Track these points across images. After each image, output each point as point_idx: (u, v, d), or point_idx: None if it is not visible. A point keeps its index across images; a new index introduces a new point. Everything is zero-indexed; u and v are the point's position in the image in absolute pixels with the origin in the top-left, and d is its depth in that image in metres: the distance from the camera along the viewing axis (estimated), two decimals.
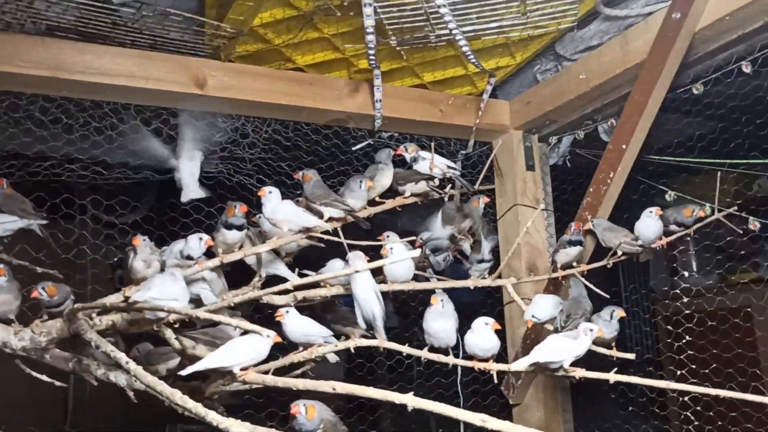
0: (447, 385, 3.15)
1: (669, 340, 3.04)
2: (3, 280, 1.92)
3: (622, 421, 3.07)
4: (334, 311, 2.44)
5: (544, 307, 2.33)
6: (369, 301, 2.09)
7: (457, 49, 2.50)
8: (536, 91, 2.95)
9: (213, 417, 1.53)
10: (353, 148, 2.97)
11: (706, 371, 2.73)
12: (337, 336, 2.31)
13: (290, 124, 2.83)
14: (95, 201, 2.80)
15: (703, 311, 2.94)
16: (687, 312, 2.87)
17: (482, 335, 2.06)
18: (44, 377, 2.02)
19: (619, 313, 2.23)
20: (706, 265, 3.51)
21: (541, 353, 1.93)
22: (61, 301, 2.04)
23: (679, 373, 2.86)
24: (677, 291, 3.48)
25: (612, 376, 1.99)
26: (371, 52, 2.30)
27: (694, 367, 2.77)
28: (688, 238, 2.88)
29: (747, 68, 2.31)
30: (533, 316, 2.28)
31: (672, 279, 3.77)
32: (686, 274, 3.70)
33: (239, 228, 2.22)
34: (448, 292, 2.33)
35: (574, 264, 2.53)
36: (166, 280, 1.94)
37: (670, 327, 2.99)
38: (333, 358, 2.39)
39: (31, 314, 2.07)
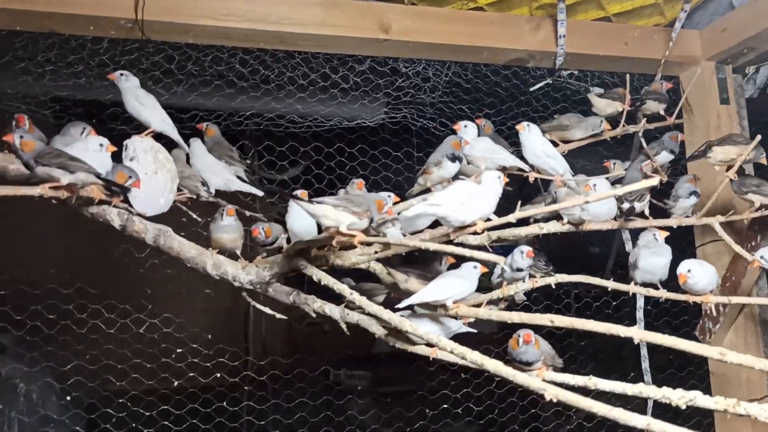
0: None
1: None
2: (232, 219, 2.07)
3: None
4: None
5: None
6: None
7: None
8: (732, 17, 2.74)
9: (446, 343, 1.58)
10: (531, 89, 2.91)
11: None
12: None
13: (469, 66, 2.81)
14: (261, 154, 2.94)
15: None
16: None
17: (700, 272, 1.97)
18: (267, 309, 2.16)
19: None
20: None
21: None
22: (274, 239, 2.17)
23: None
24: None
25: None
26: None
27: None
28: None
29: None
30: (762, 258, 2.13)
31: None
32: None
33: (459, 159, 2.20)
34: None
35: None
36: None
37: None
38: (519, 298, 2.39)
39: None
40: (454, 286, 1.90)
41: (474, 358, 1.50)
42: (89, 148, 1.81)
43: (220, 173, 2.31)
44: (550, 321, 1.76)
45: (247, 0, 2.41)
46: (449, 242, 1.90)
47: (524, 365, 1.82)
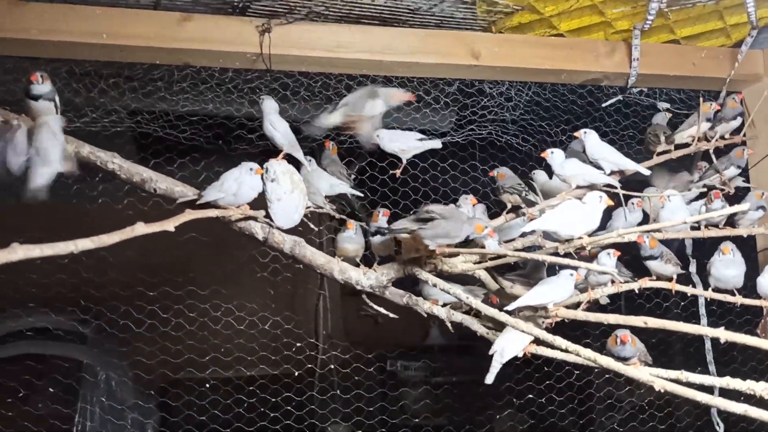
0: None
1: None
2: (352, 232, 2.37)
3: None
4: None
5: None
6: None
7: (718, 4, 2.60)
8: None
9: (561, 341, 1.87)
10: (603, 105, 3.15)
11: None
12: None
13: (547, 86, 3.07)
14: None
15: None
16: None
17: None
18: (382, 309, 2.46)
19: None
20: None
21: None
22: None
23: None
24: None
25: None
26: (651, 17, 2.46)
27: None
28: None
29: None
30: None
31: None
32: None
33: None
34: None
35: None
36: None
37: None
38: (604, 300, 2.66)
39: None
40: (554, 291, 2.18)
41: (588, 354, 1.78)
42: (243, 172, 2.12)
43: (327, 179, 2.61)
44: (643, 323, 2.03)
45: (355, 33, 2.69)
46: (555, 254, 2.16)
47: (621, 361, 2.08)
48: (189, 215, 1.94)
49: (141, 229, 1.63)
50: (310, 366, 3.46)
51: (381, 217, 2.50)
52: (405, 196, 2.94)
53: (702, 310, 3.12)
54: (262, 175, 2.18)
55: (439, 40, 2.79)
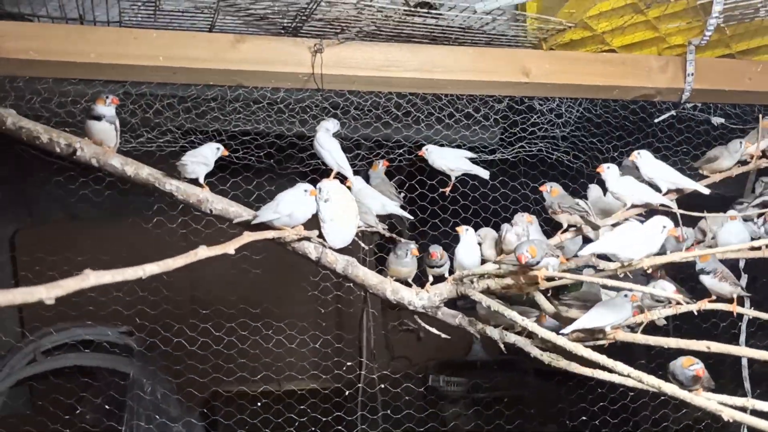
0: None
1: None
2: (415, 258, 2.37)
3: None
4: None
5: None
6: None
7: None
8: None
9: (622, 367, 1.83)
10: (656, 120, 3.10)
11: None
12: None
13: (599, 102, 3.03)
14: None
15: None
16: None
17: None
18: (434, 329, 2.45)
19: None
20: None
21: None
22: (443, 263, 2.45)
23: None
24: None
25: None
26: (708, 32, 2.42)
27: None
28: None
29: None
30: None
31: None
32: None
33: None
34: None
35: None
36: None
37: None
38: (661, 322, 2.60)
39: None
40: (611, 314, 2.14)
41: (652, 382, 1.74)
42: (298, 193, 2.14)
43: (377, 197, 2.61)
44: (706, 347, 1.98)
45: (405, 52, 2.70)
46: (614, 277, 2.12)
47: (686, 387, 2.03)
48: (248, 237, 1.96)
49: (203, 252, 1.65)
50: (354, 381, 3.49)
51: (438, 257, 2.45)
52: (455, 214, 2.93)
53: (743, 326, 3.05)
54: (315, 196, 2.19)
55: (489, 57, 2.78)
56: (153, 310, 2.89)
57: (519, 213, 2.46)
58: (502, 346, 2.38)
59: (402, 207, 2.70)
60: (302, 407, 3.04)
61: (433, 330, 2.44)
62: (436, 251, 2.37)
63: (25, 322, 3.76)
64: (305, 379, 3.79)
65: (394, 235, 2.51)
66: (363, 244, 2.59)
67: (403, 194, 2.81)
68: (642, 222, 2.22)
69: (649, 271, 2.12)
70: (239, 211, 2.22)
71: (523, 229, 2.36)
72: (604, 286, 2.31)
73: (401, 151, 2.88)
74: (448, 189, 2.79)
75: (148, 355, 3.38)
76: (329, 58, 2.61)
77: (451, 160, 2.70)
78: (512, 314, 2.11)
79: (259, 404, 3.15)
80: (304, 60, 2.60)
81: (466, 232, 2.46)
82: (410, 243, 2.37)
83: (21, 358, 3.54)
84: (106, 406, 3.38)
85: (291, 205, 2.10)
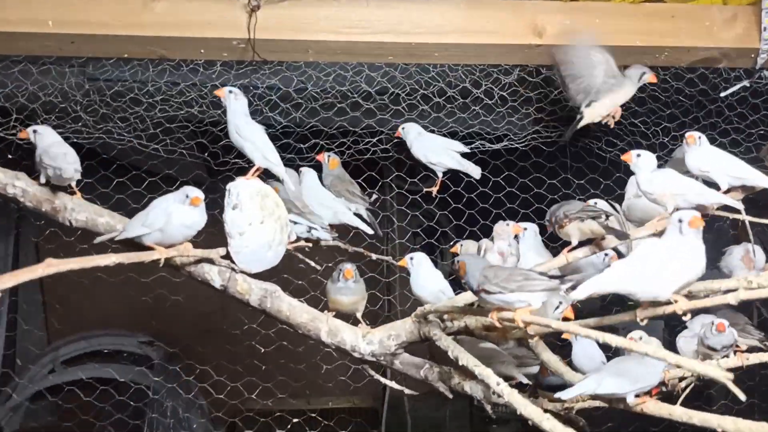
0: None
1: None
2: (351, 282, 1.72)
3: None
4: None
5: None
6: None
7: None
8: None
9: None
10: (722, 94, 2.34)
11: None
12: None
13: None
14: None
15: None
16: None
17: None
18: (394, 384, 1.80)
19: None
20: None
21: None
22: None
23: None
24: None
25: None
26: None
27: None
28: None
29: None
30: None
31: None
32: None
33: None
34: None
35: None
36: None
37: None
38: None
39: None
40: (637, 377, 1.43)
41: None
42: (175, 200, 1.53)
43: (330, 205, 2.03)
44: None
45: (373, 9, 2.09)
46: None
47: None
48: (90, 260, 1.36)
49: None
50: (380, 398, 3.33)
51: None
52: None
53: None
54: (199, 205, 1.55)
55: (488, 13, 2.19)
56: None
57: (500, 222, 1.76)
58: (488, 408, 1.72)
59: (370, 211, 2.05)
60: (332, 425, 2.76)
61: (394, 384, 1.79)
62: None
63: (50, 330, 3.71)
64: (338, 397, 3.60)
65: (339, 243, 1.88)
66: (312, 262, 1.95)
67: (374, 195, 2.16)
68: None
69: (687, 318, 1.37)
70: (111, 222, 1.63)
71: (508, 244, 1.67)
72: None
73: (374, 140, 2.23)
74: (434, 189, 2.14)
75: (174, 372, 3.15)
76: (270, 18, 2.03)
77: (431, 151, 2.04)
78: (484, 373, 1.43)
79: (279, 419, 2.78)
80: (238, 21, 2.02)
81: (411, 261, 1.82)
82: (346, 263, 1.73)
83: (40, 368, 3.51)
84: (126, 418, 3.23)
85: (163, 217, 1.48)
